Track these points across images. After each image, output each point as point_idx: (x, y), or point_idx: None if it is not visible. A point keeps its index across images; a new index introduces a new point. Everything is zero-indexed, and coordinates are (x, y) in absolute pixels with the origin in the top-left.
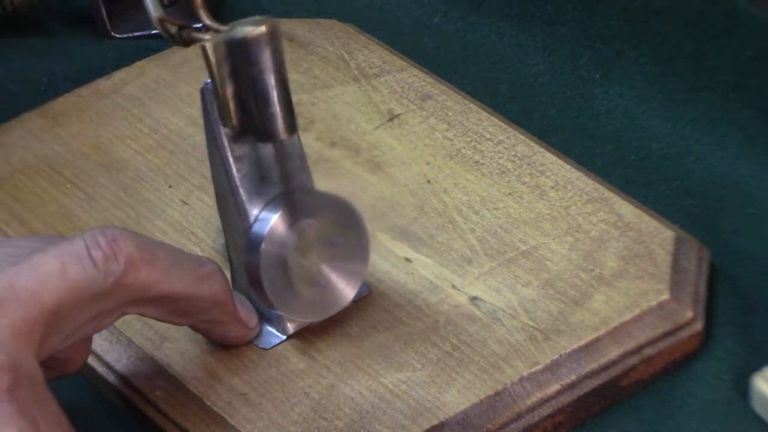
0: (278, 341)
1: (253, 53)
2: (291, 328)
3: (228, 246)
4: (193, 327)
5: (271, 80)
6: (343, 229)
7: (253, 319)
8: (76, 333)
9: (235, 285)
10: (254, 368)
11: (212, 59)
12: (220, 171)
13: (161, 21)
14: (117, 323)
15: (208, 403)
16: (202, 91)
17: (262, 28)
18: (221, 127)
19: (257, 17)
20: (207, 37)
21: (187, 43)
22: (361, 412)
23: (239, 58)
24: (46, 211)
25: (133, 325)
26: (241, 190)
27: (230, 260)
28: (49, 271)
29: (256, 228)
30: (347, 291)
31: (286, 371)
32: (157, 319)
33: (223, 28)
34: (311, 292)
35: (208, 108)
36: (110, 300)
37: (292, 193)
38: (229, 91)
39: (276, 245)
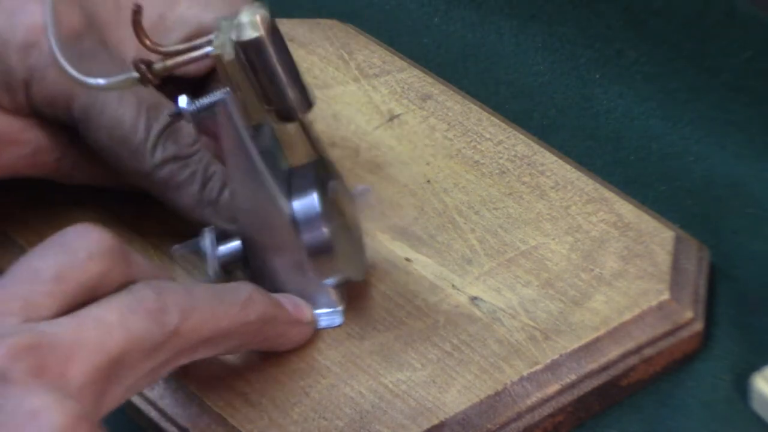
0: (337, 318)
1: (263, 46)
2: (338, 300)
3: (255, 250)
4: (258, 350)
5: (281, 64)
6: (343, 187)
7: (307, 312)
8: (133, 387)
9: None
10: (254, 368)
11: (226, 66)
12: (249, 172)
13: (135, 63)
14: None
15: (208, 403)
16: (224, 102)
17: (259, 19)
18: (245, 130)
19: (243, 14)
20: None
21: (158, 75)
22: (361, 412)
23: (253, 56)
24: (46, 211)
25: None
26: (274, 183)
27: (253, 267)
28: (111, 322)
29: (301, 208)
30: (363, 243)
31: (286, 371)
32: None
33: (162, 49)
34: (350, 249)
35: (233, 116)
36: (166, 351)
37: (299, 169)
38: (249, 88)
39: (329, 215)
